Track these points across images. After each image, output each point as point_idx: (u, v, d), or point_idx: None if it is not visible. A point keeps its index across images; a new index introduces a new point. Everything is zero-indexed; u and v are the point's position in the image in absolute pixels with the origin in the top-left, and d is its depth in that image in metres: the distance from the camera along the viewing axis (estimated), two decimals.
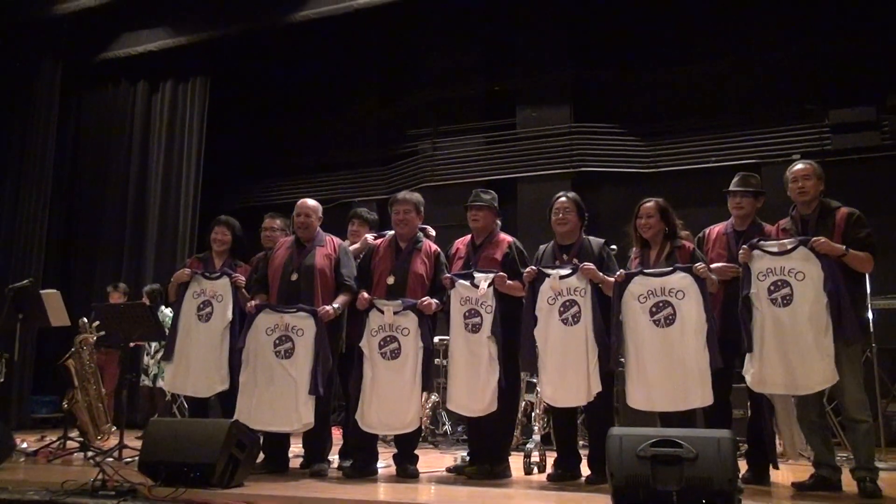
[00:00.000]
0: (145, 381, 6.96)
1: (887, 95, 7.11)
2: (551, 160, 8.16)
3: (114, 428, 5.74)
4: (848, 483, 3.72)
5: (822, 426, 3.77)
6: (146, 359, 7.02)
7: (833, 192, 4.23)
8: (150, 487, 3.56)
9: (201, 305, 4.62)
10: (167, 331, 4.95)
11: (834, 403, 4.15)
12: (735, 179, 4.24)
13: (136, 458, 4.53)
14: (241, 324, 4.55)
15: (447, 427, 6.63)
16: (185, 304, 4.66)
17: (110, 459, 4.76)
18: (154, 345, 6.60)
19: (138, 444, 5.00)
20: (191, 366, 4.52)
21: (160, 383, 6.61)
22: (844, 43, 7.29)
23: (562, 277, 4.12)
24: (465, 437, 6.37)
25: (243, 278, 4.69)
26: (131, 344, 5.65)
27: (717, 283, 3.90)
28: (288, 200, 9.42)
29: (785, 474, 4.35)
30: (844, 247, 3.60)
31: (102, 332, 5.56)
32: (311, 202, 4.69)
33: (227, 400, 4.52)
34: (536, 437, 4.77)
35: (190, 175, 8.99)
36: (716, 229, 4.30)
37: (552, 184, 8.01)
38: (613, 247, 4.48)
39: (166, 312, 6.33)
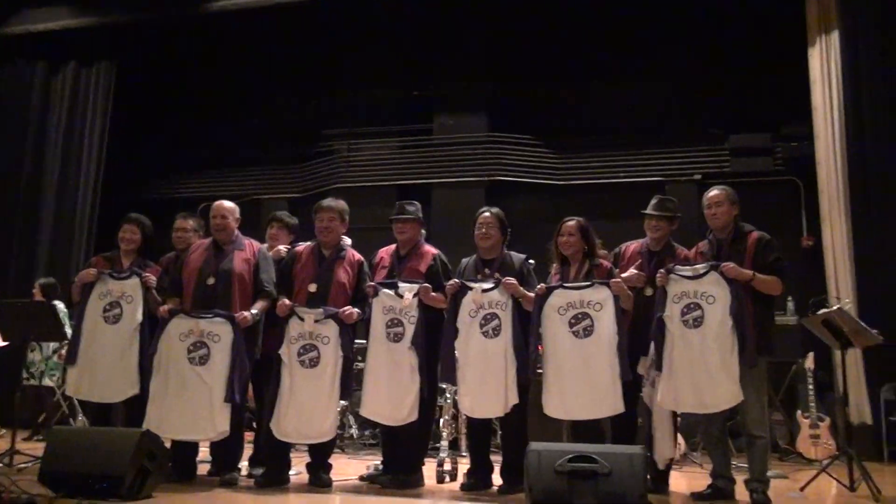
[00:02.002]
0: (30, 381, 6.60)
1: (781, 124, 7.59)
2: (467, 167, 8.24)
3: (2, 431, 5.40)
4: (742, 493, 3.95)
5: (722, 441, 3.98)
6: (30, 355, 6.66)
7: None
8: (51, 499, 3.39)
9: (108, 307, 4.41)
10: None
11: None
12: (653, 202, 4.41)
13: (30, 464, 4.32)
14: (151, 326, 4.38)
15: (353, 431, 6.59)
16: (91, 305, 4.43)
17: (0, 465, 4.48)
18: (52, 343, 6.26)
19: (29, 448, 4.76)
20: (97, 370, 4.30)
21: (47, 381, 6.29)
22: (746, 73, 7.72)
23: (484, 291, 4.19)
24: (371, 441, 6.41)
25: (154, 278, 4.51)
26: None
27: (632, 299, 4.05)
28: (196, 195, 9.23)
29: (680, 482, 4.56)
30: (752, 272, 3.81)
31: None
32: (228, 204, 4.57)
33: (132, 406, 4.34)
34: (445, 444, 4.80)
35: (91, 164, 8.55)
36: (631, 247, 4.46)
37: (467, 191, 8.15)
38: (532, 261, 4.56)
39: (60, 307, 6.00)
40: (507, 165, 8.19)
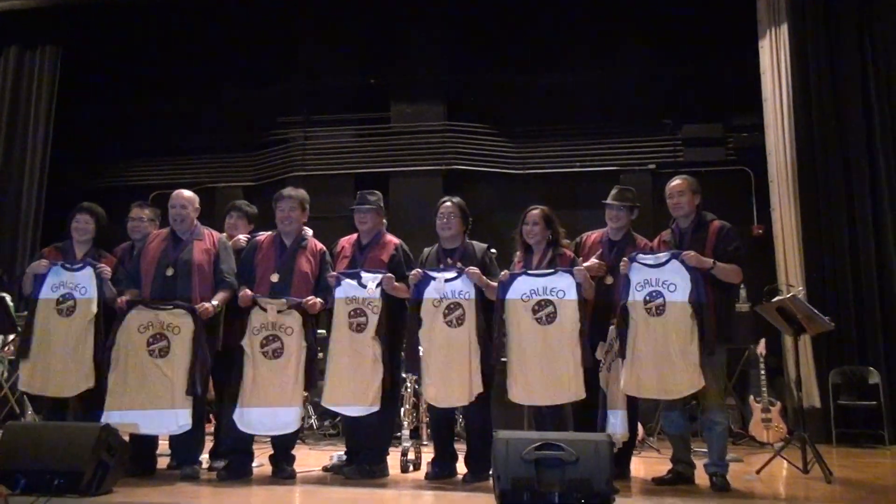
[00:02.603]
0: None
1: (733, 115, 7.76)
2: (424, 156, 8.23)
3: None
4: (701, 477, 4.05)
5: (681, 426, 4.06)
6: None
7: None
8: (7, 496, 3.29)
9: (61, 299, 4.29)
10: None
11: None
12: (613, 192, 4.46)
13: None
14: (106, 318, 4.28)
15: (313, 421, 6.57)
16: (43, 297, 4.30)
17: None
18: None
19: None
20: (51, 364, 4.18)
21: None
22: (698, 65, 7.87)
23: (447, 280, 4.20)
24: (332, 431, 6.40)
25: (109, 269, 4.41)
26: None
27: (594, 288, 4.09)
28: (147, 184, 9.04)
29: (639, 467, 4.65)
30: (712, 260, 3.89)
31: None
32: (187, 193, 4.49)
33: (87, 400, 4.24)
34: (407, 433, 4.81)
35: (36, 150, 8.26)
36: (592, 236, 4.51)
37: (425, 179, 8.14)
38: (493, 251, 4.58)
39: (6, 299, 5.82)
40: (464, 154, 8.20)
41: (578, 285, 4.02)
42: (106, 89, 9.19)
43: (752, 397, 6.11)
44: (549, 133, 8.21)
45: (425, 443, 4.99)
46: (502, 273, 4.15)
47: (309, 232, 4.69)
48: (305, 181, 8.21)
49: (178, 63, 9.14)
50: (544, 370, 3.95)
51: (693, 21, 7.84)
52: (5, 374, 6.73)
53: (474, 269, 4.16)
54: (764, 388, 6.05)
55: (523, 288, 4.06)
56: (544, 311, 4.00)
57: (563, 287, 4.00)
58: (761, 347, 6.14)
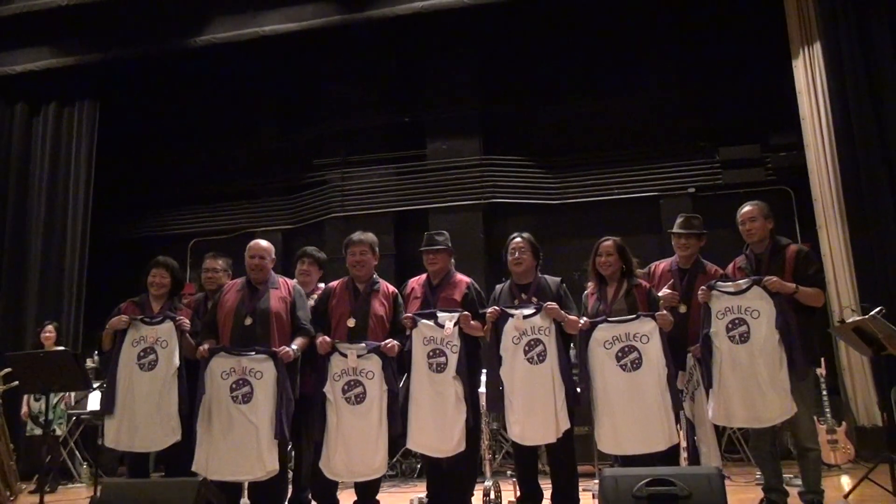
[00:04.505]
0: (34, 430, 6.45)
1: (770, 135, 7.81)
2: (462, 191, 8.31)
3: (24, 486, 5.24)
4: None
5: (773, 455, 4.04)
6: (34, 405, 6.52)
7: (726, 223, 4.70)
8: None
9: (142, 353, 4.32)
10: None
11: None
12: (679, 221, 4.49)
13: None
14: (187, 371, 4.32)
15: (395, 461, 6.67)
16: (125, 352, 4.33)
17: None
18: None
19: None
20: (137, 419, 4.20)
21: (57, 430, 6.16)
22: (733, 86, 7.95)
23: (525, 317, 4.20)
24: (406, 468, 6.46)
25: (188, 322, 4.45)
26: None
27: (672, 324, 4.10)
28: (186, 231, 9.16)
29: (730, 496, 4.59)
30: (795, 285, 3.89)
31: (15, 383, 5.08)
32: (264, 243, 4.53)
33: (174, 453, 4.26)
34: (488, 472, 4.81)
35: (78, 205, 8.39)
36: (661, 266, 4.54)
37: (463, 214, 8.22)
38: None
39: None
40: (502, 187, 8.27)
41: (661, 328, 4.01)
42: (143, 140, 9.38)
43: (815, 418, 6.04)
44: (586, 161, 8.28)
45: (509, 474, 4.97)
46: (582, 321, 4.14)
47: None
48: (344, 222, 8.35)
49: (213, 110, 9.33)
50: (633, 418, 3.91)
51: (725, 42, 7.96)
52: (66, 428, 6.78)
53: (553, 305, 4.17)
54: (827, 409, 6.00)
55: (605, 335, 4.04)
56: (628, 357, 3.97)
57: (646, 332, 3.98)
58: (821, 367, 6.09)
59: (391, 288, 4.57)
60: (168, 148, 9.42)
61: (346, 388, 4.21)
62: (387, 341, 4.28)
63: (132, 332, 4.39)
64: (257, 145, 9.37)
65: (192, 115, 9.36)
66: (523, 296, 4.36)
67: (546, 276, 4.47)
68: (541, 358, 4.13)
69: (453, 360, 4.22)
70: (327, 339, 4.29)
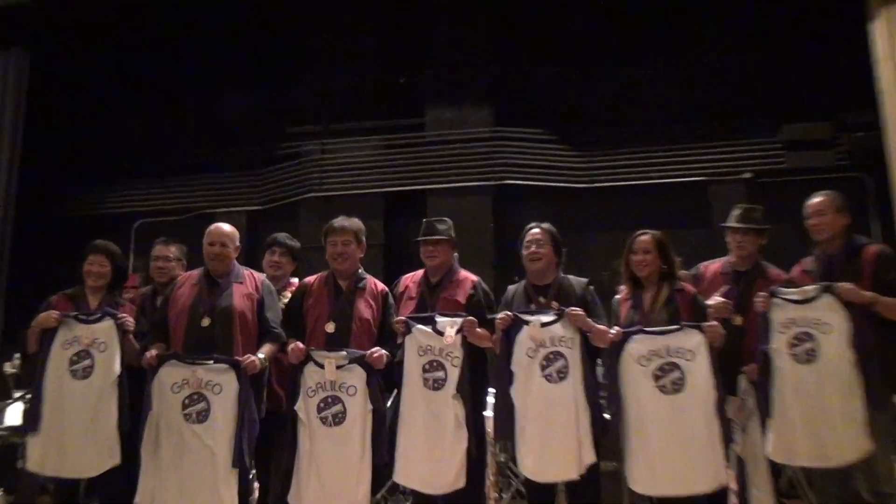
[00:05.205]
0: None
1: (843, 113, 7.76)
2: (468, 170, 8.28)
3: None
4: None
5: (843, 501, 4.01)
6: None
7: (790, 216, 4.66)
8: None
9: (76, 358, 4.27)
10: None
11: None
12: (736, 213, 4.47)
13: None
14: (130, 380, 4.29)
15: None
16: (54, 356, 4.28)
17: None
18: None
19: None
20: (66, 438, 4.15)
21: None
22: (800, 54, 7.90)
23: (543, 325, 4.17)
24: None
25: (132, 320, 4.43)
26: None
27: (724, 339, 4.05)
28: (131, 210, 9.13)
29: None
30: (874, 295, 3.86)
31: None
32: (226, 227, 4.51)
33: (111, 480, 4.22)
34: None
35: (1, 175, 8.32)
36: (711, 267, 4.52)
37: (469, 198, 8.18)
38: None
39: None
40: (516, 166, 8.24)
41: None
42: (82, 100, 9.29)
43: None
44: (620, 137, 8.24)
45: None
46: (613, 331, 4.09)
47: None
48: (324, 204, 8.33)
49: (166, 67, 9.26)
50: (673, 452, 3.85)
51: (790, 2, 7.88)
52: None
53: (577, 311, 4.14)
54: None
55: (641, 349, 4.00)
56: (669, 377, 3.93)
57: (690, 347, 3.94)
58: None
59: (380, 286, 4.55)
60: (112, 110, 9.36)
61: (322, 405, 4.18)
62: (373, 350, 4.25)
63: (63, 331, 4.33)
64: (219, 108, 9.32)
65: (142, 73, 9.29)
66: (541, 299, 4.35)
67: (569, 276, 4.45)
68: (561, 375, 4.10)
69: (454, 375, 4.20)
70: (301, 345, 4.26)
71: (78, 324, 4.35)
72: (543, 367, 4.13)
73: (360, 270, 4.56)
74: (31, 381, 4.38)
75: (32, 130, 8.54)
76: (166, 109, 9.37)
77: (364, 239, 4.60)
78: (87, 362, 4.28)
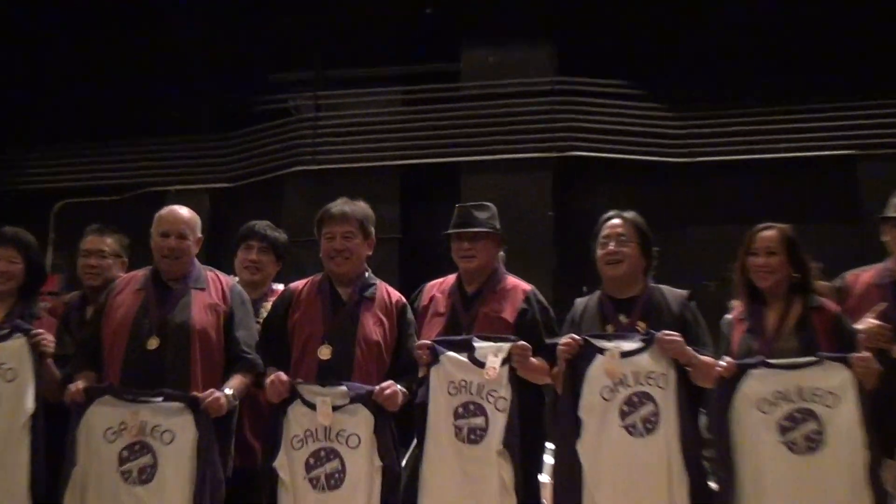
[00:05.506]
0: None
1: None
2: (519, 137, 8.32)
3: None
4: None
5: None
6: None
7: None
8: None
9: None
10: None
11: None
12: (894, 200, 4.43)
13: None
14: (47, 419, 4.30)
15: None
16: None
17: None
18: None
19: None
20: None
21: None
22: None
23: (626, 354, 4.15)
24: None
25: (51, 338, 4.45)
26: None
27: (877, 376, 4.01)
28: (50, 185, 9.24)
29: None
30: None
31: None
32: (184, 212, 4.54)
33: None
34: None
35: None
36: (863, 277, 4.53)
37: (520, 176, 8.21)
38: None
39: None
40: (586, 132, 8.27)
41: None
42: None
43: None
44: (733, 96, 8.24)
45: None
46: (723, 363, 4.06)
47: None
48: (317, 180, 8.35)
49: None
50: None
51: None
52: None
53: (672, 336, 4.11)
54: None
55: (762, 389, 3.99)
56: (801, 429, 3.91)
57: (833, 388, 3.92)
58: None
59: (395, 295, 4.57)
60: (30, 50, 9.46)
61: (312, 461, 4.19)
62: (384, 385, 4.24)
63: None
64: (174, 46, 9.37)
65: (78, 9, 9.36)
66: (623, 318, 4.34)
67: (662, 287, 4.45)
68: (649, 426, 4.08)
69: (498, 422, 4.19)
70: (284, 377, 4.26)
71: None
72: (624, 414, 4.11)
73: (366, 274, 4.57)
74: None
75: None
76: (100, 45, 9.43)
77: (373, 230, 4.61)
78: None
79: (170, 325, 4.32)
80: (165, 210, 4.55)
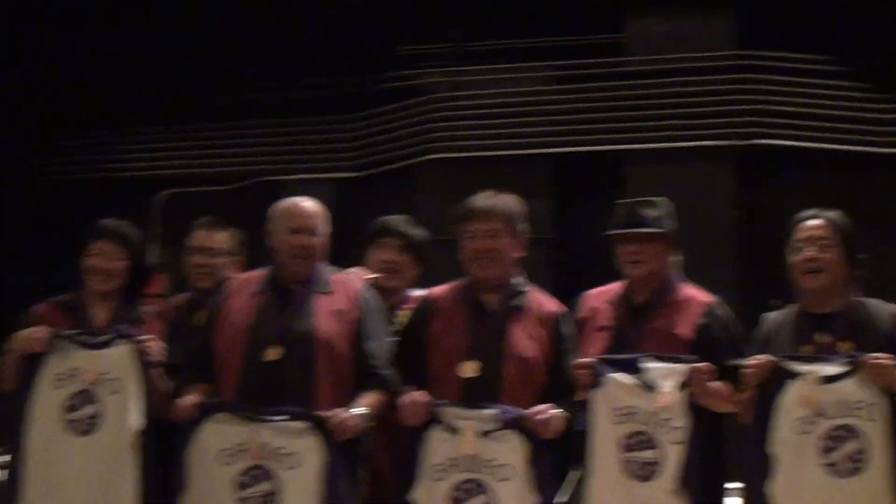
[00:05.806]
0: None
1: None
2: (694, 121, 8.28)
3: None
4: None
5: None
6: None
7: None
8: None
9: (74, 401, 4.43)
10: None
11: None
12: None
13: None
14: (158, 436, 4.41)
15: None
16: (41, 398, 4.44)
17: None
18: None
19: None
20: None
21: None
22: None
23: (826, 380, 4.12)
24: None
25: (161, 345, 4.56)
26: None
27: None
28: (153, 173, 9.45)
29: None
30: None
31: None
32: (313, 205, 4.62)
33: None
34: None
35: None
36: None
37: (698, 167, 8.16)
38: None
39: None
40: (778, 116, 8.19)
41: None
42: (72, 20, 9.64)
43: None
44: None
45: None
46: None
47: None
48: (454, 169, 8.39)
49: None
50: None
51: None
52: None
53: (882, 360, 4.07)
54: None
55: None
56: None
57: None
58: None
59: (550, 305, 4.61)
60: (121, 33, 9.67)
61: (457, 494, 4.24)
62: (538, 408, 4.29)
63: (55, 359, 4.48)
64: (292, 20, 9.51)
65: None
66: (822, 337, 4.30)
67: (870, 301, 4.41)
68: (856, 465, 4.05)
69: (673, 456, 4.21)
70: (422, 397, 4.33)
71: (77, 348, 4.49)
72: (825, 451, 4.08)
73: (516, 279, 4.61)
74: (8, 434, 4.54)
75: (14, 62, 8.99)
76: (209, 24, 9.62)
77: (523, 229, 4.64)
78: (90, 409, 4.42)
79: (292, 333, 4.41)
80: (290, 202, 4.63)
